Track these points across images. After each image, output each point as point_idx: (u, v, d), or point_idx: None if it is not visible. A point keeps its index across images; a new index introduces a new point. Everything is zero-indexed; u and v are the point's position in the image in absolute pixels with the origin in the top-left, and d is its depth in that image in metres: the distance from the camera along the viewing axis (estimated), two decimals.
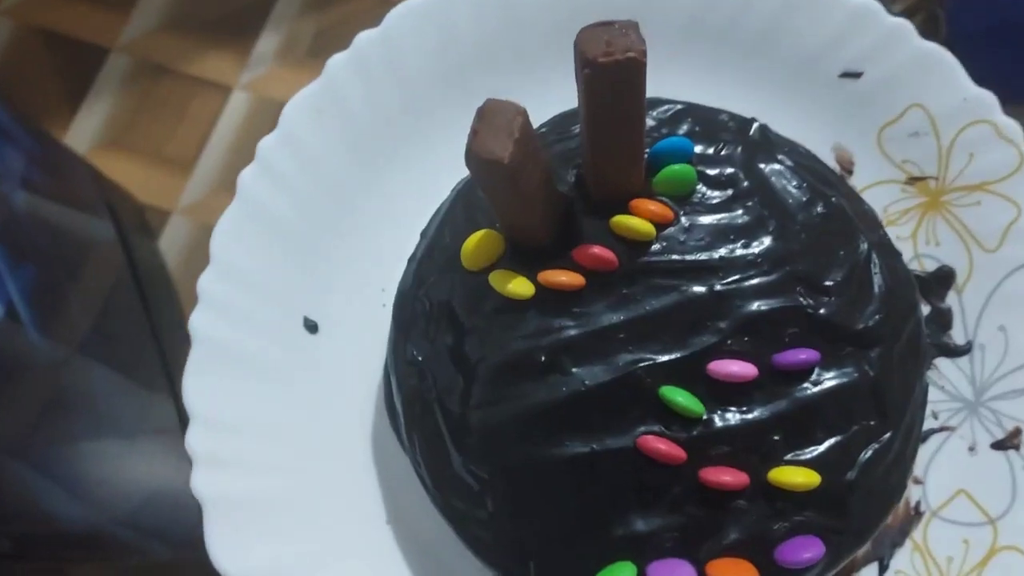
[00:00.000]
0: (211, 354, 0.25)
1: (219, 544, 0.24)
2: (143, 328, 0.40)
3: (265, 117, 0.46)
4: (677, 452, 0.22)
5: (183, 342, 0.27)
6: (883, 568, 0.26)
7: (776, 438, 0.22)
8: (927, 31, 0.46)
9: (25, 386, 0.30)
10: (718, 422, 0.22)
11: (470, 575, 0.26)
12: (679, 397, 0.22)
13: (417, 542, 0.26)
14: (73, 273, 0.37)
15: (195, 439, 0.24)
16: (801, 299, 0.23)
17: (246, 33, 0.49)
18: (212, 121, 0.46)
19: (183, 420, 0.38)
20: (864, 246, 0.24)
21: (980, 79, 0.47)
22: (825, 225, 0.24)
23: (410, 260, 0.26)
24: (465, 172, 0.23)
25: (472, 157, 0.19)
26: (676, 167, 0.23)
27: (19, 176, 0.34)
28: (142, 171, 0.46)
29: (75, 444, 0.34)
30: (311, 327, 0.27)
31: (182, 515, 0.38)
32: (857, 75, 0.29)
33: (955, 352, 0.27)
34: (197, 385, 0.25)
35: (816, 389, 0.23)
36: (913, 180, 0.28)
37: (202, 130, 0.46)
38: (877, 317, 0.23)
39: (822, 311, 0.23)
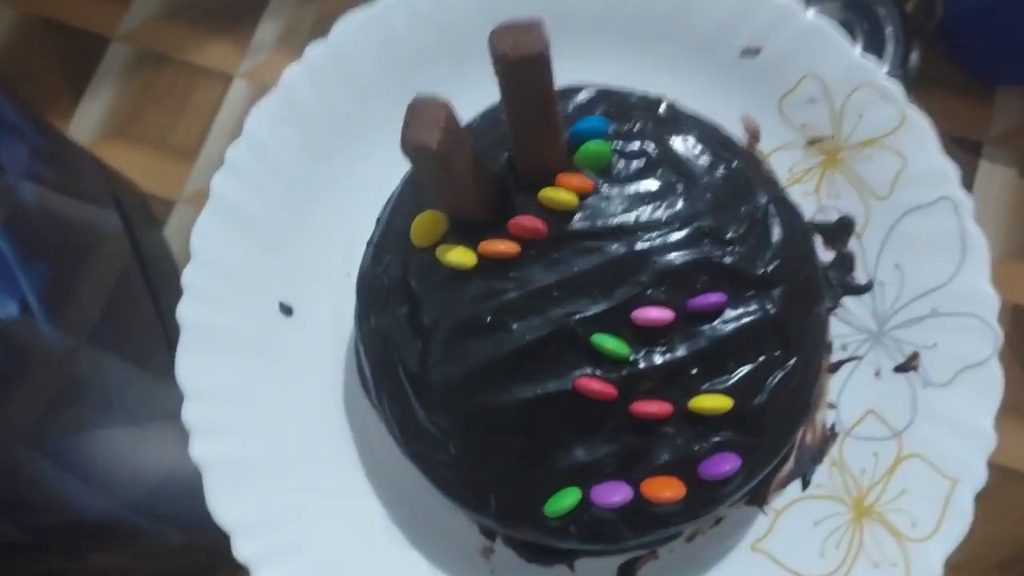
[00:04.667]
0: (198, 339, 0.29)
1: (217, 501, 0.27)
2: (151, 316, 0.41)
3: None
4: (609, 390, 0.25)
5: None
6: (805, 483, 0.29)
7: (694, 371, 0.26)
8: (923, 14, 0.46)
9: (38, 377, 0.30)
10: (643, 362, 0.26)
11: (441, 515, 0.29)
12: (608, 343, 0.25)
13: (393, 491, 0.30)
14: (81, 265, 0.37)
15: (189, 413, 0.28)
16: (708, 251, 0.26)
17: (245, 21, 0.49)
18: (214, 109, 0.46)
19: None
20: (762, 202, 0.28)
21: (973, 61, 0.47)
22: (726, 186, 0.27)
23: (368, 243, 0.29)
24: None
25: (407, 147, 0.22)
26: (593, 143, 0.27)
27: (25, 169, 0.35)
28: (146, 161, 0.46)
29: (87, 432, 0.35)
30: (286, 310, 0.31)
31: (193, 499, 0.36)
32: (756, 52, 0.32)
33: (858, 290, 0.31)
34: (188, 367, 0.28)
35: (726, 327, 0.26)
36: (813, 141, 0.32)
37: (204, 119, 0.46)
38: (775, 263, 0.27)
39: (727, 260, 0.26)
